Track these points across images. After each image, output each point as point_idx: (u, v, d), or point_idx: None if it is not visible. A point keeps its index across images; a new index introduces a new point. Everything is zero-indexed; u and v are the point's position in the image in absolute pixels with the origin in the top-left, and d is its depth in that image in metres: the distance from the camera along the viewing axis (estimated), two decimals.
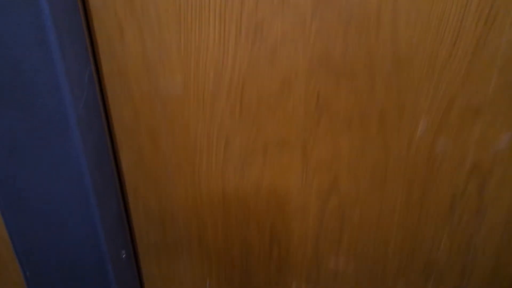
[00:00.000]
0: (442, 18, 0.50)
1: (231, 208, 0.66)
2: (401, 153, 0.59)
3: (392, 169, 0.60)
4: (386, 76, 0.53)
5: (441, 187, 0.61)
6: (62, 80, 0.46)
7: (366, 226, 0.65)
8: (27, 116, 0.48)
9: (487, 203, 0.61)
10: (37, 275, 0.61)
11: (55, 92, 0.47)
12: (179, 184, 0.64)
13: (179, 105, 0.58)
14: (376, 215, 0.64)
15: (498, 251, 0.65)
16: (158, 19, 0.52)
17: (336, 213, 0.65)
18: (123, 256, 0.65)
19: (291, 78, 0.55)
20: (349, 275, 0.71)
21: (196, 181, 0.64)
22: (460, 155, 0.58)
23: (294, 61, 0.54)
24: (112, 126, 0.60)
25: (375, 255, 0.68)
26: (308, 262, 0.70)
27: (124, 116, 0.59)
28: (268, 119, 0.58)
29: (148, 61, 0.55)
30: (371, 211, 0.64)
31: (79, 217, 0.56)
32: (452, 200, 0.62)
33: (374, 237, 0.66)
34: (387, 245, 0.67)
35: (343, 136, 0.58)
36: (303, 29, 0.51)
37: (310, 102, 0.56)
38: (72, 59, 0.47)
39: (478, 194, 0.61)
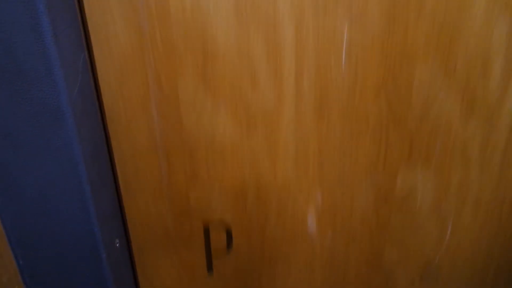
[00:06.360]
0: None
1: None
2: None
3: None
4: None
5: None
6: (56, 65, 0.45)
7: None
8: (20, 102, 0.47)
9: None
10: (30, 263, 0.60)
11: (48, 77, 0.46)
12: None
13: None
14: None
15: None
16: None
17: None
18: (117, 244, 0.65)
19: None
20: None
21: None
22: None
23: None
24: (104, 113, 0.59)
25: None
26: None
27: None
28: None
29: None
30: None
31: (73, 204, 0.55)
32: None
33: None
34: None
35: None
36: None
37: None
38: (66, 44, 0.46)
39: None
